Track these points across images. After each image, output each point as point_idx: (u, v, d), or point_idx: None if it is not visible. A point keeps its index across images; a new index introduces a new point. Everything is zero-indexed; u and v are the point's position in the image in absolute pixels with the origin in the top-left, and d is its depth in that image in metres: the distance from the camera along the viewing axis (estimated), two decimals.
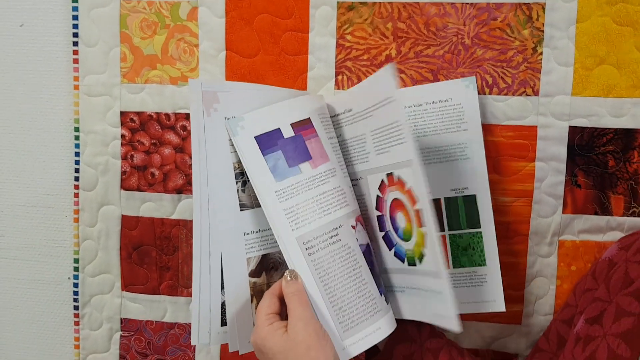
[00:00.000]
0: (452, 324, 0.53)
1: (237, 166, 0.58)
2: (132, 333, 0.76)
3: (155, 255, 0.74)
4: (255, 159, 0.57)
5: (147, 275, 0.75)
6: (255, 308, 0.59)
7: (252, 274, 0.59)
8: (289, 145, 0.58)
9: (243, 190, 0.59)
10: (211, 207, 0.57)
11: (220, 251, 0.57)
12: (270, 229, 0.56)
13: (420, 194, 0.55)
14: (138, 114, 0.73)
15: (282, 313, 0.54)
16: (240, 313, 0.58)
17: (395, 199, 0.59)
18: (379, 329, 0.58)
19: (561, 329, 0.64)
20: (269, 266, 0.60)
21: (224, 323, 0.59)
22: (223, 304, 0.58)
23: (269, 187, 0.56)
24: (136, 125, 0.73)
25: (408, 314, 0.61)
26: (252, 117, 0.58)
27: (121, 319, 0.76)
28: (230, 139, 0.57)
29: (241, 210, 0.58)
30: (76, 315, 0.77)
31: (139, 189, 0.74)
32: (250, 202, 0.58)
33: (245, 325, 0.59)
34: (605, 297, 0.57)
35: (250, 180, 0.56)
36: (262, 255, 0.60)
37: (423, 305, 0.59)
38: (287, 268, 0.55)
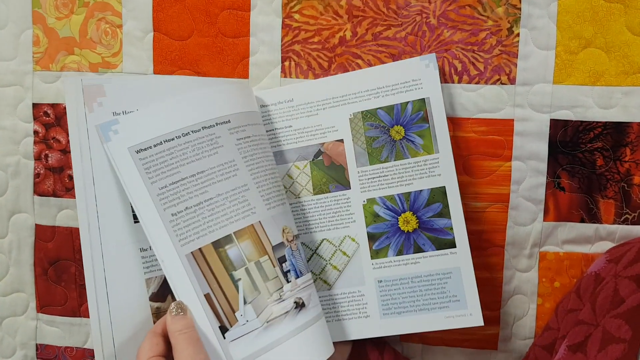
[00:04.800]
0: (474, 318, 0.54)
1: None
2: None
3: (75, 272, 0.65)
4: (130, 175, 0.49)
5: (65, 294, 0.66)
6: None
7: (154, 297, 0.52)
8: None
9: None
10: (101, 220, 0.50)
11: (111, 271, 0.50)
12: None
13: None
14: (53, 106, 0.64)
15: (170, 355, 0.46)
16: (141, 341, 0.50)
17: None
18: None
19: (541, 356, 0.57)
20: None
21: None
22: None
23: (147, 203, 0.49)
24: (51, 119, 0.64)
25: (404, 328, 0.57)
26: (130, 121, 0.50)
27: (37, 344, 0.67)
28: None
29: (136, 222, 0.51)
30: None
31: (54, 195, 0.65)
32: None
33: None
34: (591, 319, 0.51)
35: (129, 197, 0.49)
36: None
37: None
38: None
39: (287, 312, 0.51)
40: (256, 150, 0.54)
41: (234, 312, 0.49)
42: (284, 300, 0.51)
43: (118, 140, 0.49)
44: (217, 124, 0.52)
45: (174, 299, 0.52)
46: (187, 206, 0.49)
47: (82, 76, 0.61)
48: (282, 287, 0.52)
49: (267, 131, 0.58)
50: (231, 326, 0.49)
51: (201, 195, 0.50)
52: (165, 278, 0.51)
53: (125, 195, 0.49)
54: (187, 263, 0.48)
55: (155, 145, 0.49)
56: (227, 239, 0.50)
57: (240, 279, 0.50)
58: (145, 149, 0.49)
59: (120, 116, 0.50)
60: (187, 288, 0.48)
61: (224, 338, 0.48)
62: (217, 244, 0.50)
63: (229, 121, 0.52)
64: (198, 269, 0.49)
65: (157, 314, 0.52)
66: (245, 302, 0.50)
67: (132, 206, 0.50)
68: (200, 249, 0.49)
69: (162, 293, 0.53)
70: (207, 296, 0.48)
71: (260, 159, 0.54)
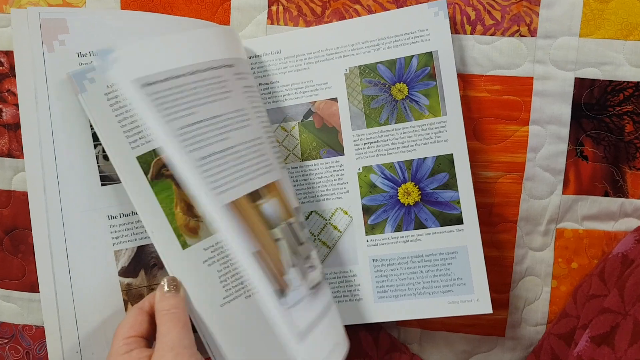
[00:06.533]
0: (481, 305, 0.50)
1: None
2: (7, 340, 0.62)
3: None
4: (143, 110, 0.42)
5: (23, 267, 0.61)
6: None
7: (124, 272, 0.47)
8: None
9: (105, 157, 0.45)
10: (61, 183, 0.45)
11: (74, 241, 0.46)
12: None
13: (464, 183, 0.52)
14: (7, 54, 0.58)
15: (153, 338, 0.41)
16: (110, 324, 0.46)
17: None
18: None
19: (557, 346, 0.53)
20: (150, 262, 0.48)
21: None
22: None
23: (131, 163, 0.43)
24: (5, 69, 0.58)
25: (401, 315, 0.53)
26: (130, 53, 0.42)
27: None
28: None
29: (103, 184, 0.46)
30: None
31: (10, 155, 0.59)
32: (117, 173, 0.44)
33: None
34: (619, 307, 0.47)
35: (108, 154, 0.43)
36: (139, 247, 0.47)
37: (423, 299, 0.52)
38: None
39: (319, 282, 0.46)
40: (260, 102, 0.48)
41: (281, 275, 0.43)
42: (315, 269, 0.47)
43: (118, 69, 0.41)
44: (222, 66, 0.45)
45: (146, 274, 0.46)
46: (213, 151, 0.42)
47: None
48: (310, 254, 0.47)
49: None
50: (286, 290, 0.43)
51: (223, 141, 0.43)
52: (137, 251, 0.46)
53: (91, 154, 0.44)
54: (228, 214, 0.41)
55: (162, 81, 0.42)
56: (258, 194, 0.44)
57: (280, 239, 0.44)
58: (151, 84, 0.42)
59: (115, 50, 0.42)
60: (233, 245, 0.42)
61: (280, 305, 0.43)
62: (252, 197, 0.43)
63: (233, 65, 0.46)
64: (243, 222, 0.42)
65: (128, 291, 0.47)
66: (291, 265, 0.44)
67: (99, 167, 0.44)
68: (236, 200, 0.42)
69: (134, 268, 0.47)
70: (258, 254, 0.42)
71: (264, 113, 0.48)
